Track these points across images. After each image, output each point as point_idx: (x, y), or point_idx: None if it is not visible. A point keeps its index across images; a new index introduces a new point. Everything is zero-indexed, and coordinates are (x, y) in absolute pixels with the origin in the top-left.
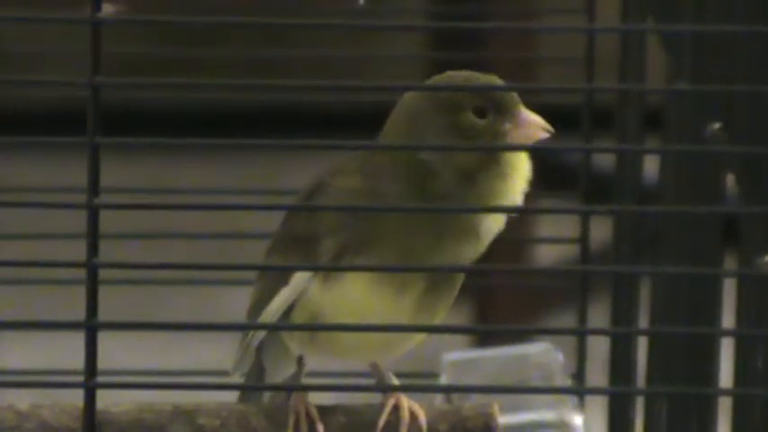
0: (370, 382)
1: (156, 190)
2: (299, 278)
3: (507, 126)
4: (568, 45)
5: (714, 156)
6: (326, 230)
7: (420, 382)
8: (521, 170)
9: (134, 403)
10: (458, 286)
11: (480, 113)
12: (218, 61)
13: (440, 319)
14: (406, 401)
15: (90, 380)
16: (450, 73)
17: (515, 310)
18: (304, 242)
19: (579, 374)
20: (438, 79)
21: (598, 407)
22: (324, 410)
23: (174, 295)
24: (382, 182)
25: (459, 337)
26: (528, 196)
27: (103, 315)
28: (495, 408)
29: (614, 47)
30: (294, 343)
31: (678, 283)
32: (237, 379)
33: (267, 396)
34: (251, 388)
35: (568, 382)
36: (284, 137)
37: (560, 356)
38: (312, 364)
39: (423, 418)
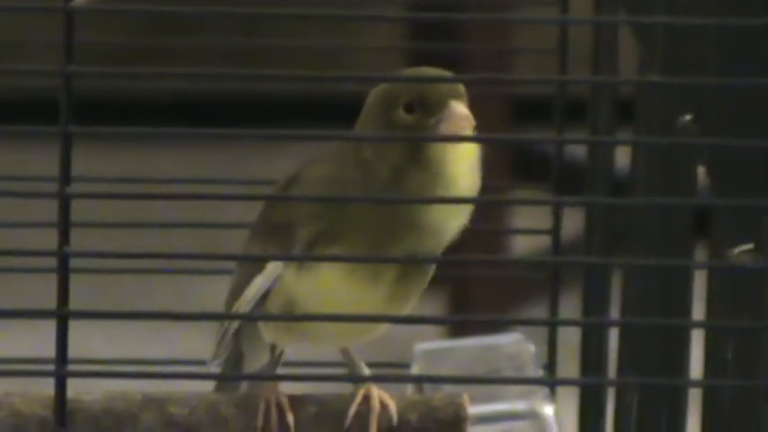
0: (342, 371)
1: (128, 179)
2: (274, 266)
3: (432, 121)
4: (542, 36)
5: (685, 147)
6: (300, 219)
7: (391, 371)
8: (449, 168)
9: (105, 392)
10: (429, 275)
11: (409, 109)
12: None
13: (411, 307)
14: (377, 391)
15: (61, 368)
16: (417, 68)
17: (488, 301)
18: (279, 230)
19: (551, 365)
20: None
21: (569, 397)
22: (294, 400)
23: (152, 285)
24: (348, 172)
25: (431, 328)
26: (501, 187)
27: (79, 304)
28: (466, 398)
29: (587, 38)
30: (269, 330)
31: (649, 274)
32: (215, 367)
33: (245, 385)
34: (221, 378)
35: (540, 373)
36: (260, 127)
37: (532, 347)
38: (286, 352)
39: (393, 408)
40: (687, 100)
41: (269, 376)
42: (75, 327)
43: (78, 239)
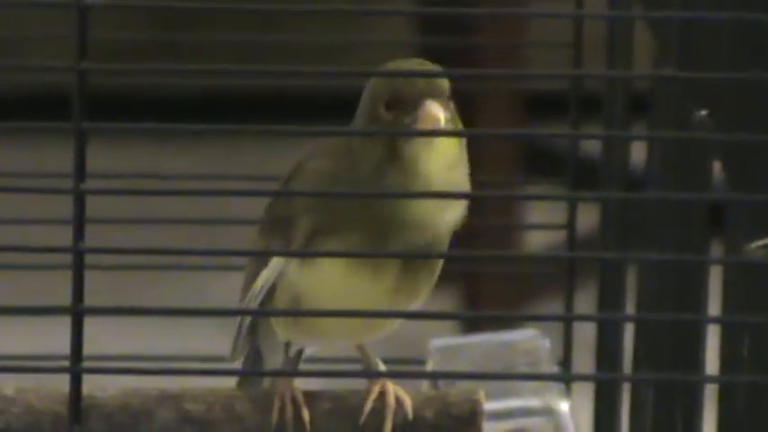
0: (357, 368)
1: (142, 175)
2: (277, 260)
3: (407, 120)
4: (556, 31)
5: (701, 143)
6: (299, 212)
7: (406, 368)
8: (423, 166)
9: (120, 388)
10: (436, 269)
11: (388, 107)
12: (206, 47)
13: (421, 302)
14: (392, 387)
15: (76, 365)
16: (400, 61)
17: (503, 297)
18: (282, 224)
19: (566, 361)
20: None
21: (585, 393)
22: (309, 396)
23: (161, 280)
24: (340, 165)
25: (445, 323)
26: (515, 182)
27: (89, 299)
28: (481, 394)
29: (602, 33)
30: (279, 326)
31: (665, 269)
32: (236, 365)
33: (267, 381)
34: (238, 373)
35: (555, 369)
36: (272, 122)
37: (547, 343)
38: (307, 350)
39: (409, 405)
40: (702, 95)
41: (283, 372)
42: (84, 322)
43: (88, 235)
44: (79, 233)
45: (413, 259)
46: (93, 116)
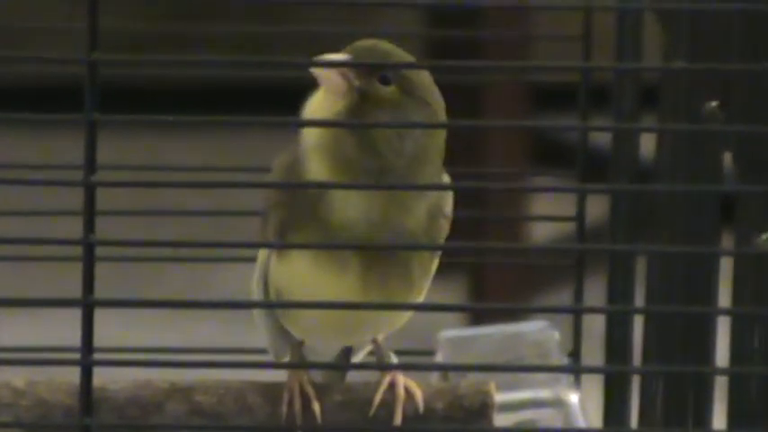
0: (368, 360)
1: (153, 167)
2: (261, 256)
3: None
4: (565, 23)
5: (711, 134)
6: (270, 208)
7: (415, 359)
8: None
9: (130, 381)
10: (411, 263)
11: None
12: (216, 38)
13: (417, 296)
14: (403, 379)
15: (87, 357)
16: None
17: (511, 288)
18: (263, 220)
19: (575, 353)
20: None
21: (594, 384)
22: (320, 388)
23: (168, 272)
24: (300, 156)
25: (454, 315)
26: (524, 174)
27: (98, 291)
28: (492, 386)
29: (611, 24)
30: (282, 322)
31: (675, 261)
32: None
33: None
34: (246, 366)
35: (565, 361)
36: (283, 114)
37: (557, 335)
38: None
39: (419, 397)
40: (712, 86)
41: (292, 365)
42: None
43: (97, 226)
44: (89, 225)
45: (374, 255)
46: (103, 107)
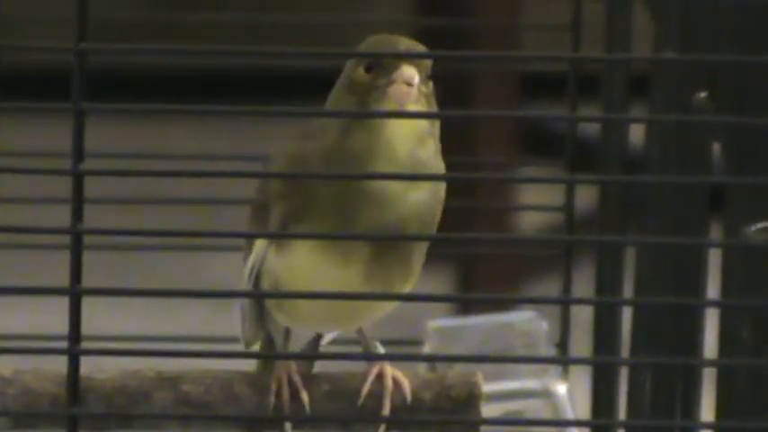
0: (355, 349)
1: (141, 155)
2: (258, 246)
3: (383, 81)
4: (555, 12)
5: (700, 125)
6: (273, 199)
7: (403, 349)
8: (394, 124)
9: (117, 370)
10: (413, 253)
11: (368, 69)
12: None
13: (406, 286)
14: (390, 370)
15: (74, 346)
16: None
17: (499, 278)
18: (261, 211)
19: (563, 343)
20: (367, 42)
21: (582, 375)
22: (308, 378)
23: (157, 260)
24: (309, 146)
25: (442, 305)
26: (512, 164)
27: (86, 279)
28: (480, 376)
29: (601, 14)
30: (272, 311)
31: (663, 251)
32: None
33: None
34: (234, 355)
35: (553, 351)
36: (272, 102)
37: (545, 325)
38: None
39: (407, 387)
40: (702, 77)
41: (280, 355)
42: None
43: (85, 215)
44: (78, 214)
45: (384, 244)
46: (91, 94)
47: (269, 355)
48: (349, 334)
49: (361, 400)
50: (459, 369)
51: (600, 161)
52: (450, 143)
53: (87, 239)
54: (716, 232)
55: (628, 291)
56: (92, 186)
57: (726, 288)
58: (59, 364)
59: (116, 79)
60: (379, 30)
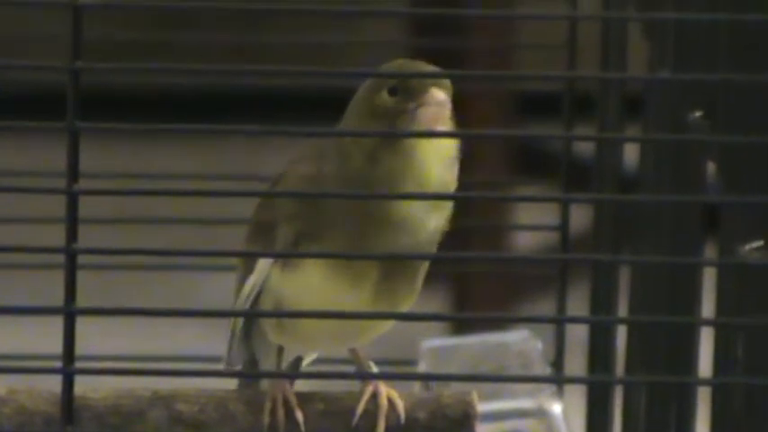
0: (350, 369)
1: (136, 175)
2: (262, 265)
3: (412, 105)
4: (550, 32)
5: (695, 144)
6: (281, 220)
7: (398, 369)
8: (421, 154)
9: (112, 389)
10: (419, 274)
11: (392, 92)
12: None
13: (407, 306)
14: (385, 389)
15: (68, 366)
16: (403, 60)
17: (494, 297)
18: (266, 230)
19: (558, 362)
20: (391, 67)
21: (577, 394)
22: (302, 397)
23: (151, 280)
24: (326, 168)
25: (437, 324)
26: (507, 183)
27: (80, 299)
28: (474, 396)
29: (596, 34)
30: (269, 331)
31: (658, 271)
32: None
33: (265, 385)
34: (229, 375)
35: (548, 370)
36: (266, 122)
37: (539, 344)
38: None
39: (401, 406)
40: (697, 96)
41: (275, 374)
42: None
43: (79, 234)
44: (72, 233)
45: (394, 266)
46: (85, 114)
47: (264, 374)
48: (341, 353)
49: (355, 420)
50: (453, 388)
51: (595, 180)
52: None
53: (82, 259)
54: (711, 251)
55: (622, 310)
56: (86, 206)
57: (720, 307)
58: (54, 384)
59: (110, 98)
60: (373, 50)
